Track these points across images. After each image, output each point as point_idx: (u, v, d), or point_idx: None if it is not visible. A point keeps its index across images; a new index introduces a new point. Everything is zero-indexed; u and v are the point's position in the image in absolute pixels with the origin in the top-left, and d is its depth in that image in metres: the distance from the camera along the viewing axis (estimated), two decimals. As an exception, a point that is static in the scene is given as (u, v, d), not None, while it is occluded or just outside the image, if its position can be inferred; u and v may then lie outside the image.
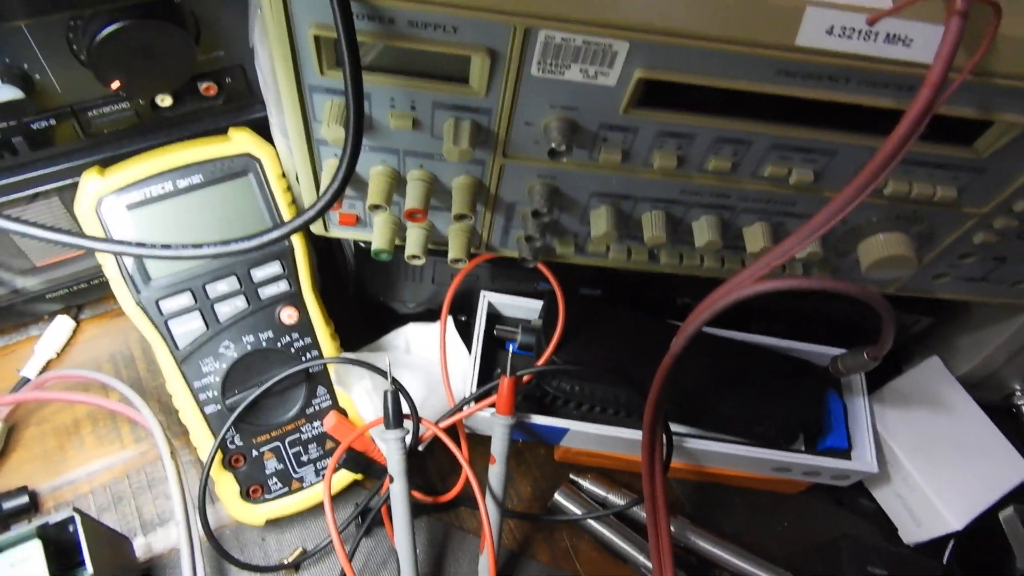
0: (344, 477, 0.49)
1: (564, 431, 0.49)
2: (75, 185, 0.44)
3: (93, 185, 0.42)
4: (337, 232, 0.44)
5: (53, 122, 0.41)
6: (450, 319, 0.53)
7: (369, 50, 0.32)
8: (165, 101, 0.43)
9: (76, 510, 0.37)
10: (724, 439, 0.50)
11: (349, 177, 0.32)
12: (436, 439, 0.48)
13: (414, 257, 0.42)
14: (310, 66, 0.33)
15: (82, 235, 0.33)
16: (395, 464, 0.45)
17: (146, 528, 0.49)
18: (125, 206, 0.43)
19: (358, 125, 0.31)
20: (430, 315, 0.56)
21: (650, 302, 0.53)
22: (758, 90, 0.32)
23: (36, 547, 0.36)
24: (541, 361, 0.48)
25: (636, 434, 0.47)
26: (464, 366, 0.51)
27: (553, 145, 0.34)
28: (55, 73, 0.39)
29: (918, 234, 0.42)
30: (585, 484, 0.54)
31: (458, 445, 0.48)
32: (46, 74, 0.38)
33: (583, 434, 0.49)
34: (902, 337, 0.57)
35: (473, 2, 0.29)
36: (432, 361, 0.52)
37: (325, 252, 0.53)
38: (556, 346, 0.47)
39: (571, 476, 0.54)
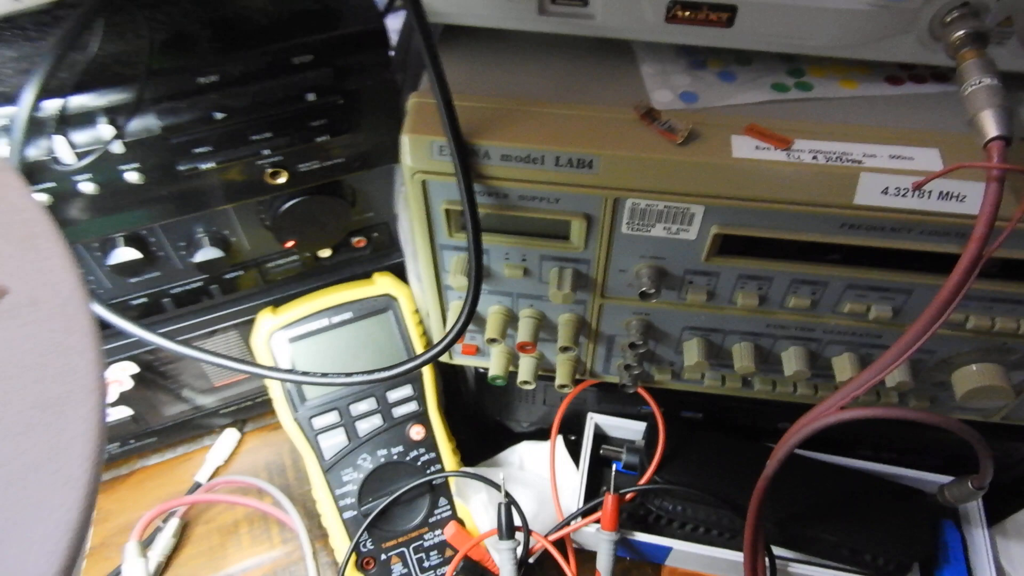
0: (461, 585, 0.53)
1: (668, 550, 0.51)
2: (251, 321, 0.54)
3: (267, 322, 0.52)
4: (460, 360, 0.51)
5: (241, 273, 0.51)
6: (560, 438, 0.57)
7: (488, 217, 0.40)
8: (325, 253, 0.53)
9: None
10: (832, 566, 0.51)
11: (471, 317, 0.38)
12: (547, 555, 0.52)
13: (525, 383, 0.47)
14: (441, 230, 0.40)
15: (263, 366, 0.41)
16: (507, 573, 0.49)
17: (288, 623, 0.54)
18: (289, 339, 0.52)
19: (478, 276, 0.37)
20: (542, 434, 0.60)
21: (751, 426, 0.55)
22: (825, 241, 0.36)
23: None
24: (643, 480, 0.51)
25: (739, 556, 0.48)
26: (573, 483, 0.55)
27: (644, 289, 0.40)
28: (247, 236, 0.49)
29: (1012, 364, 0.43)
30: (692, 606, 0.55)
31: (566, 559, 0.52)
32: (240, 237, 0.49)
33: (687, 554, 0.51)
34: (1020, 467, 0.55)
35: (569, 180, 0.36)
36: (544, 478, 0.56)
37: (449, 376, 0.60)
38: (658, 465, 0.51)
39: (678, 597, 0.55)
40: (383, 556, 0.52)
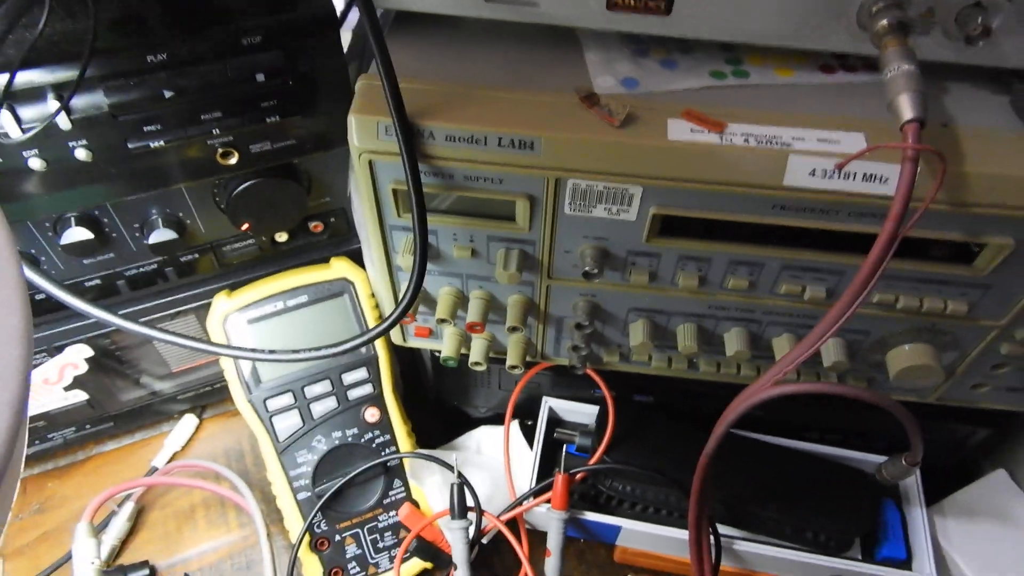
0: (415, 565, 0.54)
1: (617, 529, 0.53)
2: (208, 305, 0.54)
3: (222, 305, 0.52)
4: (413, 342, 0.51)
5: (197, 256, 0.52)
6: (516, 423, 0.58)
7: (437, 198, 0.41)
8: (282, 237, 0.54)
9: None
10: (776, 543, 0.52)
11: (416, 295, 0.39)
12: (501, 536, 0.53)
13: (476, 364, 0.48)
14: (390, 210, 0.41)
15: (216, 343, 0.42)
16: (459, 553, 0.50)
17: (243, 605, 0.55)
18: (246, 321, 0.52)
19: (423, 252, 0.38)
20: (500, 419, 0.61)
21: (700, 410, 0.56)
22: (757, 222, 0.38)
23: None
24: (592, 460, 0.52)
25: (686, 534, 0.49)
26: (527, 466, 0.56)
27: (587, 268, 0.41)
28: (201, 219, 0.49)
29: (944, 345, 0.44)
30: (642, 586, 0.56)
31: (519, 539, 0.53)
32: (195, 219, 0.49)
33: (636, 533, 0.53)
34: (962, 449, 0.57)
35: (511, 160, 0.37)
36: (500, 461, 0.57)
37: (409, 365, 0.61)
38: (607, 447, 0.52)
39: (629, 577, 0.57)
40: (337, 537, 0.53)
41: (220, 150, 0.41)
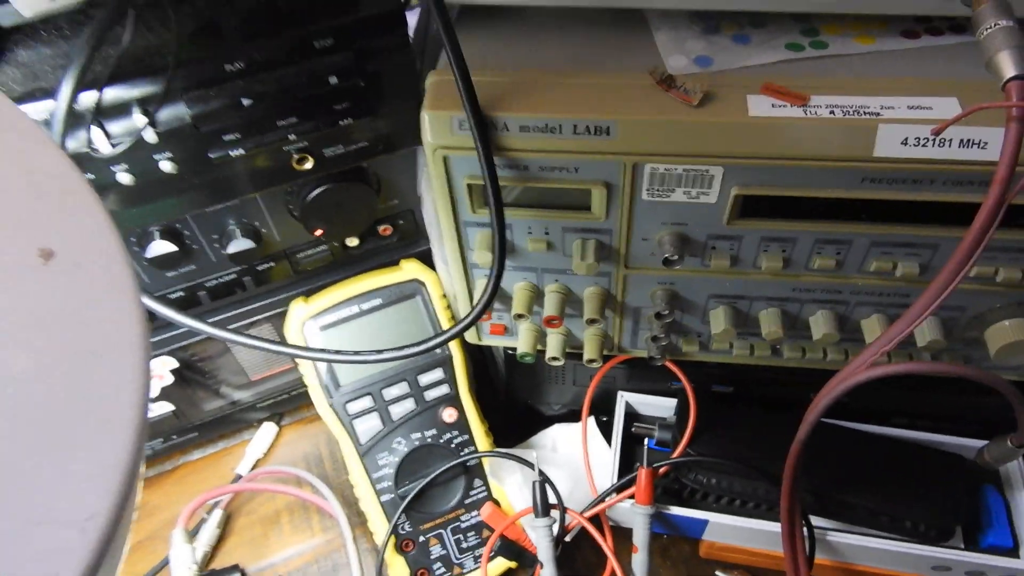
0: (500, 565, 0.53)
1: (704, 523, 0.51)
2: (284, 313, 0.55)
3: (299, 311, 0.53)
4: (488, 340, 0.51)
5: (272, 264, 0.53)
6: (592, 419, 0.57)
7: (511, 191, 0.40)
8: (353, 242, 0.54)
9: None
10: (873, 534, 0.50)
11: (496, 290, 0.39)
12: (585, 534, 0.52)
13: (554, 359, 0.48)
14: (464, 206, 0.41)
15: (295, 346, 0.42)
16: (544, 551, 0.49)
17: (331, 608, 0.55)
18: (321, 327, 0.53)
19: (502, 247, 0.38)
20: (574, 416, 0.61)
21: (782, 398, 0.55)
22: (847, 196, 0.36)
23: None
24: (675, 454, 0.51)
25: (776, 527, 0.48)
26: (606, 462, 0.55)
27: (667, 255, 0.40)
28: (276, 227, 0.50)
29: (1047, 318, 0.42)
30: (731, 581, 0.54)
31: (603, 535, 0.52)
32: (270, 228, 0.50)
33: (723, 527, 0.51)
34: (1066, 429, 0.54)
35: (587, 147, 0.36)
36: (577, 458, 0.56)
37: (480, 363, 0.61)
38: (689, 439, 0.51)
39: (717, 572, 0.55)
40: (421, 538, 0.53)
41: (296, 156, 0.42)
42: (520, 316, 0.45)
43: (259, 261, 0.52)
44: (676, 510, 0.51)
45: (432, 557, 0.53)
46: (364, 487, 0.53)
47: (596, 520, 0.53)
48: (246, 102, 0.37)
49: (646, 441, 0.53)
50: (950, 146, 0.34)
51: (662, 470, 0.51)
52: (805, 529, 0.48)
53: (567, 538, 0.53)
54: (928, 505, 0.49)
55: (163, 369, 0.56)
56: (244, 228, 0.48)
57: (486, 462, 0.54)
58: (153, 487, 0.64)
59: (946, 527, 0.50)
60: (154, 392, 0.57)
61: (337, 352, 0.42)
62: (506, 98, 0.37)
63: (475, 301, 0.46)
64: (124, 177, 0.38)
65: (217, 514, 0.58)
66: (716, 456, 0.51)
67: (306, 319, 0.53)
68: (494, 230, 0.38)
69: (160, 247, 0.46)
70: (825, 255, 0.40)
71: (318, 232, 0.50)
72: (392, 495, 0.53)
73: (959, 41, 0.38)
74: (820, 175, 0.36)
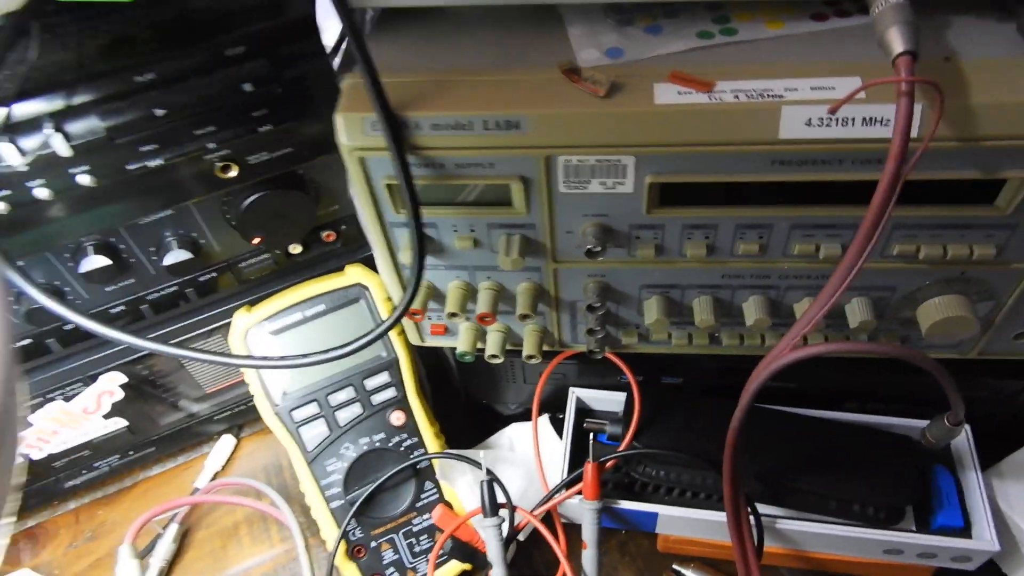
0: (453, 567, 0.53)
1: (654, 516, 0.51)
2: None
3: (242, 320, 0.53)
4: (431, 341, 0.51)
5: (215, 275, 0.53)
6: (546, 416, 0.57)
7: (431, 189, 0.40)
8: (296, 249, 0.54)
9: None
10: (822, 520, 0.50)
11: (415, 291, 0.39)
12: (538, 535, 0.52)
13: (493, 357, 0.48)
14: (387, 207, 0.41)
15: (226, 354, 0.42)
16: (493, 551, 0.49)
17: (289, 618, 0.55)
18: (266, 334, 0.53)
19: (421, 249, 0.38)
20: (531, 415, 0.61)
21: (731, 385, 0.55)
22: (759, 180, 0.37)
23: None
24: (622, 447, 0.51)
25: (724, 516, 0.48)
26: (559, 460, 0.55)
27: (589, 247, 0.40)
28: (215, 237, 0.50)
29: (976, 294, 0.42)
30: (688, 573, 0.54)
31: (555, 534, 0.52)
32: (208, 238, 0.50)
33: (674, 519, 0.51)
34: (1014, 405, 0.54)
35: (498, 142, 0.37)
36: (533, 457, 0.56)
37: (438, 366, 0.61)
38: (636, 431, 0.51)
39: (674, 566, 0.55)
40: (373, 543, 0.53)
41: (219, 164, 0.42)
42: (454, 315, 0.45)
43: (200, 272, 0.52)
44: (625, 504, 0.51)
45: (385, 562, 0.53)
46: (313, 494, 0.53)
47: (550, 519, 0.53)
48: (159, 112, 0.38)
49: (591, 436, 0.53)
50: (853, 125, 0.34)
51: (608, 464, 0.51)
52: (752, 517, 0.48)
53: (520, 537, 0.53)
54: (876, 487, 0.49)
55: (112, 385, 0.56)
56: (181, 239, 0.48)
57: (437, 464, 0.54)
58: (112, 504, 0.64)
59: (895, 509, 0.50)
60: (105, 409, 0.57)
61: (264, 358, 0.42)
62: (418, 98, 0.37)
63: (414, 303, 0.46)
64: (42, 192, 0.38)
65: (173, 528, 0.58)
66: (664, 447, 0.51)
67: (249, 327, 0.53)
68: (412, 230, 0.38)
69: (94, 261, 0.46)
70: (748, 240, 0.40)
71: (256, 241, 0.50)
72: (342, 501, 0.53)
73: (866, 22, 0.38)
74: (731, 160, 0.36)
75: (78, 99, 0.36)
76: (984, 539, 0.48)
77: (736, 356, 0.49)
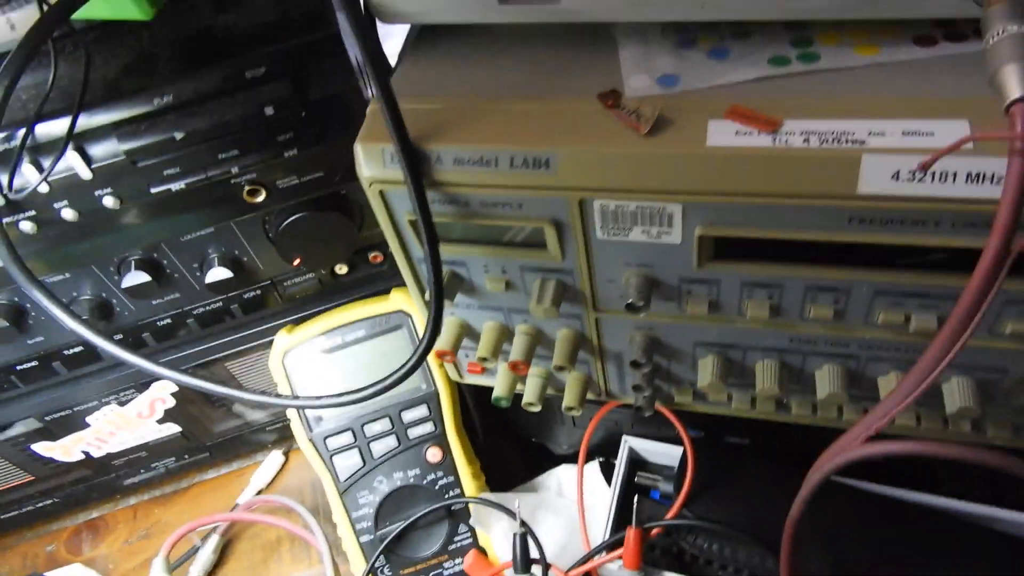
0: (483, 618, 0.50)
1: (702, 594, 0.46)
2: (276, 340, 0.54)
3: (282, 342, 0.51)
4: (470, 379, 0.48)
5: (259, 292, 0.52)
6: (596, 463, 0.53)
7: (459, 227, 0.37)
8: (342, 269, 0.52)
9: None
10: (904, 624, 0.43)
11: (435, 335, 0.35)
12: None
13: (530, 404, 0.44)
14: (413, 243, 0.38)
15: (244, 389, 0.40)
16: (520, 611, 0.45)
17: (317, 645, 0.54)
18: (305, 357, 0.51)
19: (438, 291, 0.34)
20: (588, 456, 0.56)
21: (806, 451, 0.48)
22: (832, 239, 0.30)
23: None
24: (671, 514, 0.45)
25: (783, 607, 0.42)
26: (606, 511, 0.50)
27: (630, 300, 0.35)
28: (257, 256, 0.49)
29: (1117, 384, 0.34)
30: (741, 658, 0.48)
31: (592, 598, 0.47)
32: (251, 256, 0.49)
33: (725, 600, 0.45)
34: None
35: (526, 182, 0.32)
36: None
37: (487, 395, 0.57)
38: (686, 498, 0.45)
39: (727, 647, 0.49)
40: (401, 583, 0.50)
41: (247, 188, 0.40)
42: (484, 359, 0.41)
43: (244, 290, 0.51)
44: (669, 577, 0.45)
45: (411, 605, 0.50)
46: (344, 526, 0.51)
47: (588, 578, 0.48)
48: (179, 136, 0.36)
49: (635, 496, 0.48)
50: (954, 181, 0.27)
51: (654, 532, 0.46)
52: (815, 614, 0.42)
53: (554, 596, 0.49)
54: (975, 595, 0.41)
55: (163, 392, 0.56)
56: (223, 258, 0.47)
57: (472, 507, 0.51)
58: (168, 504, 0.65)
59: (996, 624, 0.42)
60: (158, 414, 0.58)
61: (277, 395, 0.40)
62: (442, 128, 0.34)
63: (448, 342, 0.42)
64: (68, 213, 0.38)
65: (213, 540, 0.58)
66: (719, 519, 0.45)
67: (288, 350, 0.51)
68: (428, 271, 0.34)
69: (135, 277, 0.46)
70: (821, 303, 0.34)
71: (296, 261, 0.48)
72: (372, 536, 0.50)
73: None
74: (797, 214, 0.30)
75: (96, 121, 0.35)
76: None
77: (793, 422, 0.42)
